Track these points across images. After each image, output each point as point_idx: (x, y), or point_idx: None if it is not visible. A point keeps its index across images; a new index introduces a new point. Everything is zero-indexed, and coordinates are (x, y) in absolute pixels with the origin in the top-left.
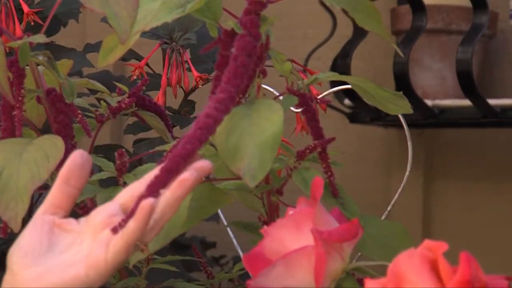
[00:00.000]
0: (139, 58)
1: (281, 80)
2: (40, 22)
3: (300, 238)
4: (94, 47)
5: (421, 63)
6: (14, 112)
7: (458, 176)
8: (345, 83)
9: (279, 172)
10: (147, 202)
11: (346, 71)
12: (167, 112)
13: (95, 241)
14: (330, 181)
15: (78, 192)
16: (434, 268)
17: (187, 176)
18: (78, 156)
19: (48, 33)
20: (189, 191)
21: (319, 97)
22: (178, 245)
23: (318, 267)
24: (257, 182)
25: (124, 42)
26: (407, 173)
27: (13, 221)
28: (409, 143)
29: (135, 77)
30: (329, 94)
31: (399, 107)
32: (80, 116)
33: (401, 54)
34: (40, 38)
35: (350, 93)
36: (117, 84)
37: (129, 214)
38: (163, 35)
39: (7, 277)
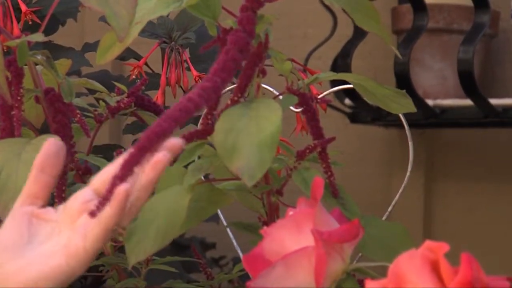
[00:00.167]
0: (138, 57)
1: (281, 79)
2: (38, 21)
3: (300, 239)
4: (93, 47)
5: (422, 63)
6: (13, 112)
7: (459, 176)
8: (345, 83)
9: (279, 172)
10: (123, 187)
11: (346, 70)
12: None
13: (73, 229)
14: (330, 181)
15: (53, 181)
16: (435, 269)
17: (160, 157)
18: (51, 144)
19: (46, 32)
20: (162, 171)
21: (319, 96)
22: (177, 246)
23: (319, 268)
24: (255, 181)
25: (122, 40)
26: (408, 173)
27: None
28: (410, 143)
29: (134, 77)
30: (329, 93)
31: (402, 105)
32: (78, 116)
33: (399, 56)
34: (39, 37)
35: (350, 93)
36: (116, 83)
37: (105, 195)
38: (162, 34)
39: None
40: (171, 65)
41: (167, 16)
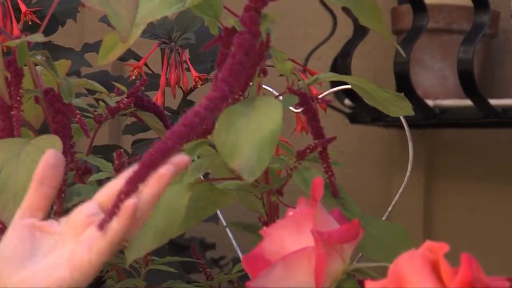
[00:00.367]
0: (137, 58)
1: (281, 80)
2: (38, 21)
3: (300, 239)
4: (93, 47)
5: (422, 63)
6: (12, 112)
7: (459, 177)
8: (345, 83)
9: (279, 172)
10: (131, 202)
11: (346, 71)
12: (166, 112)
13: (77, 242)
14: (330, 181)
15: (54, 192)
16: (435, 269)
17: (164, 171)
18: (51, 156)
19: (46, 33)
20: (166, 186)
21: (319, 97)
22: (177, 246)
23: (319, 268)
24: (255, 177)
25: (125, 40)
26: (408, 173)
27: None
28: (410, 144)
29: (133, 77)
30: (329, 94)
31: (400, 108)
32: (78, 116)
33: (403, 53)
34: (38, 37)
35: (350, 93)
36: (115, 84)
37: (111, 209)
38: (162, 34)
39: None
40: (170, 66)
41: (167, 16)
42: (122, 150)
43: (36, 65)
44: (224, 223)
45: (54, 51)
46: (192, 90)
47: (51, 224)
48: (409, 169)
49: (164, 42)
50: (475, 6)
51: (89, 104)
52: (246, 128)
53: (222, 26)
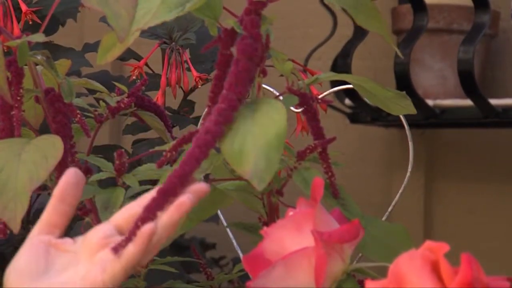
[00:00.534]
0: (138, 58)
1: (281, 80)
2: (39, 21)
3: (301, 239)
4: (93, 47)
5: (422, 63)
6: (13, 112)
7: (460, 177)
8: (345, 83)
9: (279, 173)
10: (148, 227)
11: (346, 71)
12: (166, 112)
13: (92, 262)
14: (330, 181)
15: (72, 210)
16: (435, 269)
17: (185, 200)
18: (72, 175)
19: (46, 33)
20: (185, 214)
21: (319, 97)
22: (177, 246)
23: (319, 269)
24: (266, 184)
25: (123, 40)
26: (408, 173)
27: (12, 221)
28: (410, 143)
29: (134, 77)
30: (329, 94)
31: (402, 107)
32: (79, 116)
33: (400, 55)
34: (39, 37)
35: (350, 93)
36: (116, 84)
37: (128, 235)
38: (163, 34)
39: None
40: (171, 66)
41: None
42: (122, 150)
43: (37, 65)
44: (225, 223)
45: (55, 51)
46: (192, 90)
47: (66, 242)
48: (409, 169)
49: (164, 42)
50: (475, 6)
51: (89, 104)
52: (251, 133)
53: (221, 27)
